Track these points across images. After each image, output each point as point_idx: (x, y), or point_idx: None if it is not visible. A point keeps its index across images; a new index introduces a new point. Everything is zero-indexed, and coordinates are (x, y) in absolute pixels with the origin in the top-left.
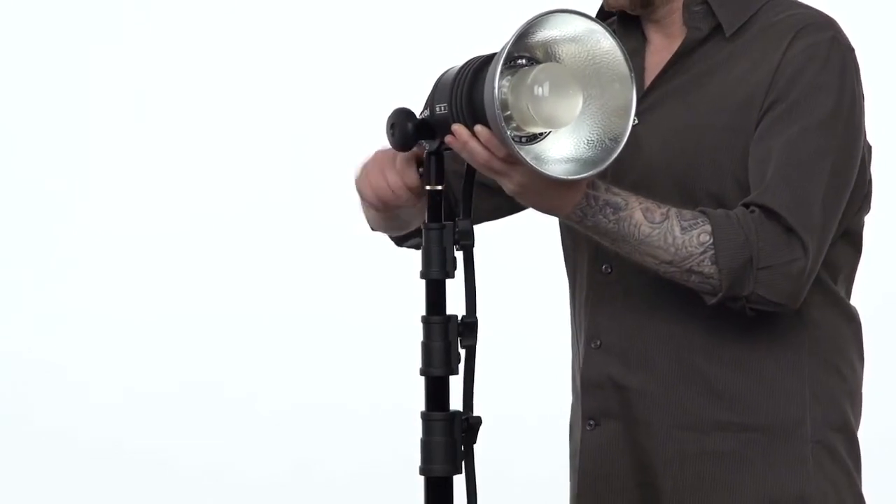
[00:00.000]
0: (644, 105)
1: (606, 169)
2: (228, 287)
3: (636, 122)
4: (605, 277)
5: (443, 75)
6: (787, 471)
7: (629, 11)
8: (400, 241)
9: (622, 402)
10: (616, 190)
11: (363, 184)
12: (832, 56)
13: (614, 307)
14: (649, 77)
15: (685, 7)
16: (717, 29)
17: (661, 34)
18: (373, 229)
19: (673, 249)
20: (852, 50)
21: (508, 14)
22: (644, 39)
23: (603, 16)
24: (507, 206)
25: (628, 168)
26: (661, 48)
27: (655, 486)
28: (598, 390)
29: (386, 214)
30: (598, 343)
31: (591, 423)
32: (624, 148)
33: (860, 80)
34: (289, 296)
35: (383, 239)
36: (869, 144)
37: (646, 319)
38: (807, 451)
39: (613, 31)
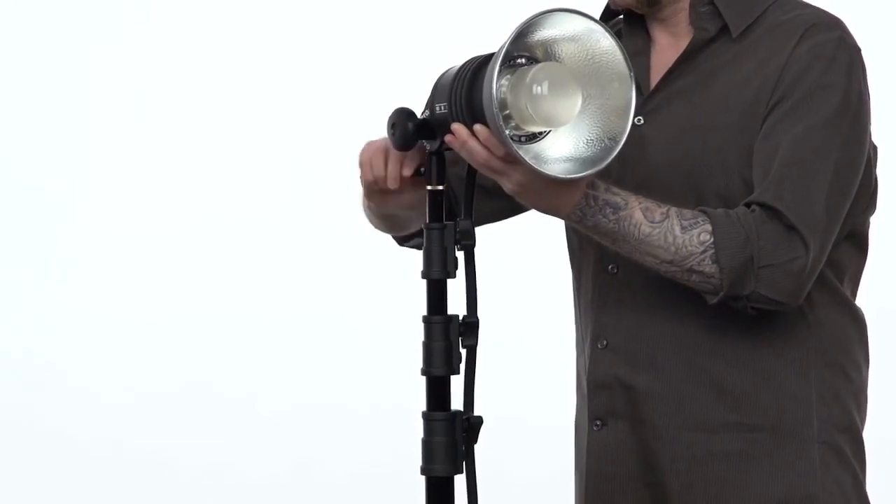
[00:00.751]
0: (650, 105)
1: (611, 169)
2: (229, 287)
3: (642, 122)
4: (611, 277)
5: (442, 75)
6: (794, 471)
7: (635, 10)
8: (402, 241)
9: (629, 403)
10: (616, 190)
11: (364, 158)
12: (839, 56)
13: (620, 307)
14: (655, 77)
15: (692, 7)
16: (724, 29)
17: (667, 34)
18: (375, 227)
19: (673, 249)
20: (859, 50)
21: (508, 14)
22: (650, 39)
23: (609, 14)
24: (507, 208)
25: (634, 168)
26: (666, 48)
27: (663, 487)
28: (605, 390)
29: (384, 214)
30: (605, 343)
31: (598, 423)
32: (630, 148)
33: (867, 81)
34: (289, 296)
35: (383, 239)
36: (875, 145)
37: (652, 319)
38: (814, 451)
39: (619, 30)
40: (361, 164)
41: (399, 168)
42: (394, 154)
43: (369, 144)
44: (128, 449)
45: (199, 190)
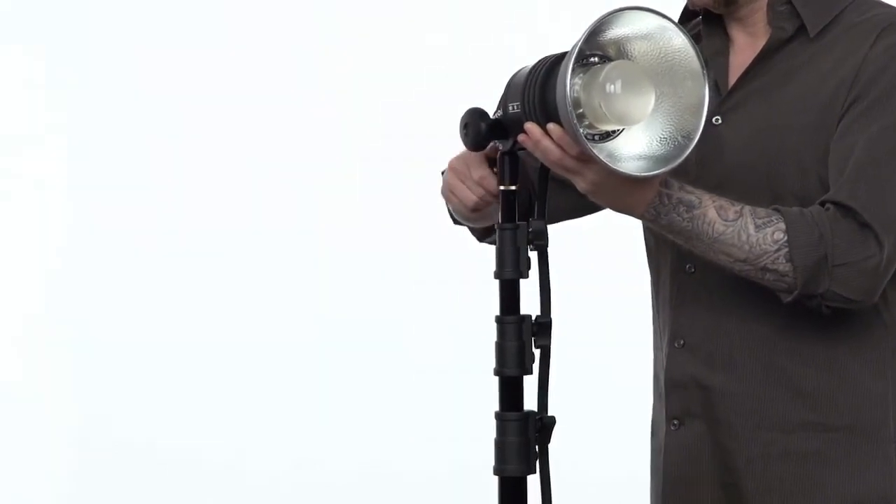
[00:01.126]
0: (727, 105)
1: (689, 168)
2: (229, 288)
3: (720, 122)
4: (688, 277)
5: (515, 75)
6: (871, 471)
7: (713, 10)
8: (481, 237)
9: (705, 403)
10: (689, 188)
11: (450, 199)
12: None
13: (698, 307)
14: (733, 77)
15: (769, 7)
16: (801, 29)
17: (745, 34)
18: (455, 223)
19: (747, 247)
20: None
21: (509, 13)
22: (728, 39)
23: (688, 15)
24: (581, 205)
25: (711, 168)
26: (745, 48)
27: (739, 487)
28: (682, 390)
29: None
30: (682, 343)
31: (675, 423)
32: (708, 148)
33: None
34: (289, 297)
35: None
36: None
37: (728, 319)
38: (890, 451)
39: (699, 31)
40: (455, 196)
41: (484, 190)
42: (476, 163)
43: (454, 174)
44: (127, 448)
45: (199, 191)
